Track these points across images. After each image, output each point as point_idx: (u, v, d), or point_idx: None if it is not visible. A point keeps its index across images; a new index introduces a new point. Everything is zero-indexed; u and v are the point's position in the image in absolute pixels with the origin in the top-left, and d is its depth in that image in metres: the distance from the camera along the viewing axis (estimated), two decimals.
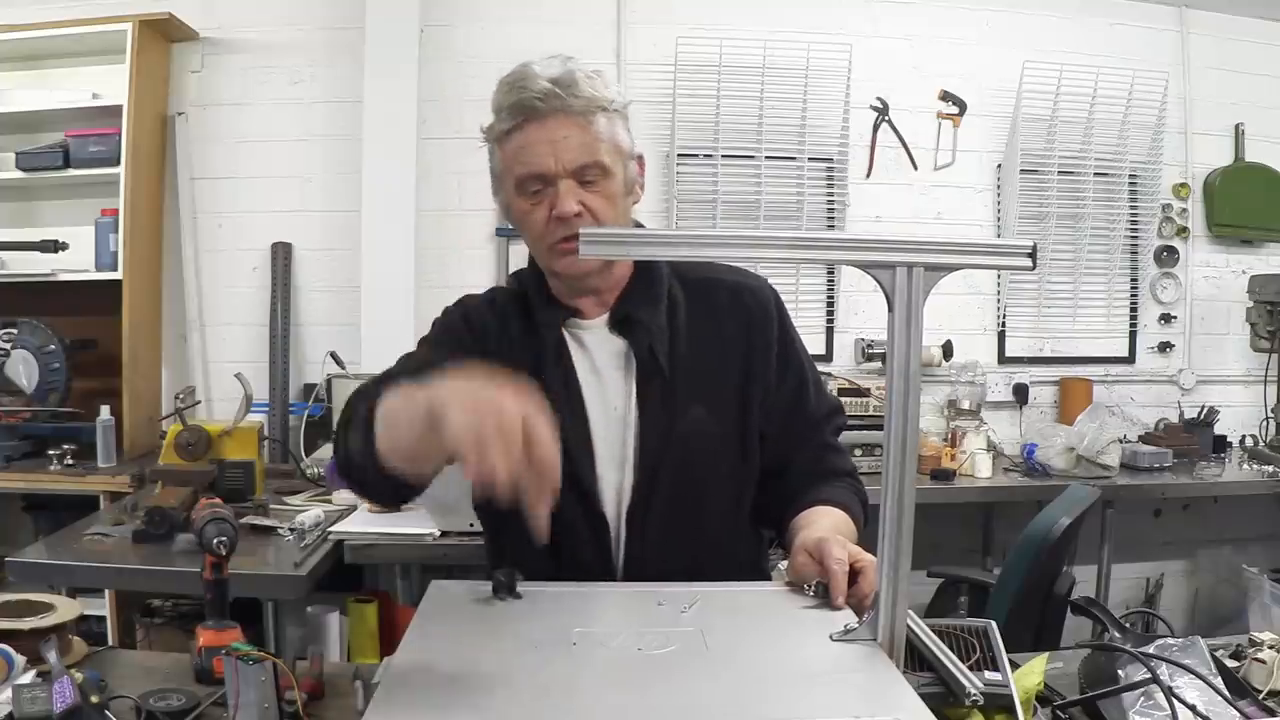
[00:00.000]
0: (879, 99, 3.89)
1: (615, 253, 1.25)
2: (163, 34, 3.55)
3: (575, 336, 1.43)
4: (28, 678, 1.25)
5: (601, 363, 1.42)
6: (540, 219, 1.35)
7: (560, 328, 1.42)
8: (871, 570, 1.15)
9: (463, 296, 1.52)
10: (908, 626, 1.08)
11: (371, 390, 1.23)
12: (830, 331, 3.93)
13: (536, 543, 0.96)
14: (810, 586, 1.20)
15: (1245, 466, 3.71)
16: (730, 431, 1.42)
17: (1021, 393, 3.98)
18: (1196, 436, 3.80)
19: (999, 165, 3.99)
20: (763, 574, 1.55)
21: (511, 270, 3.61)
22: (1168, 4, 4.02)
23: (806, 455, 1.47)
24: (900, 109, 3.91)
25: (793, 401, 1.47)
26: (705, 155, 3.79)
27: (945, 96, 3.93)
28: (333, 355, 3.48)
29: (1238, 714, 1.21)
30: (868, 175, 3.92)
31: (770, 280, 1.54)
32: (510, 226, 3.56)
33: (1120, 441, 3.60)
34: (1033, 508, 2.79)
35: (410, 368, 1.27)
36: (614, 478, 1.39)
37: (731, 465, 1.43)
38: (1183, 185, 4.08)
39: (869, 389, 3.47)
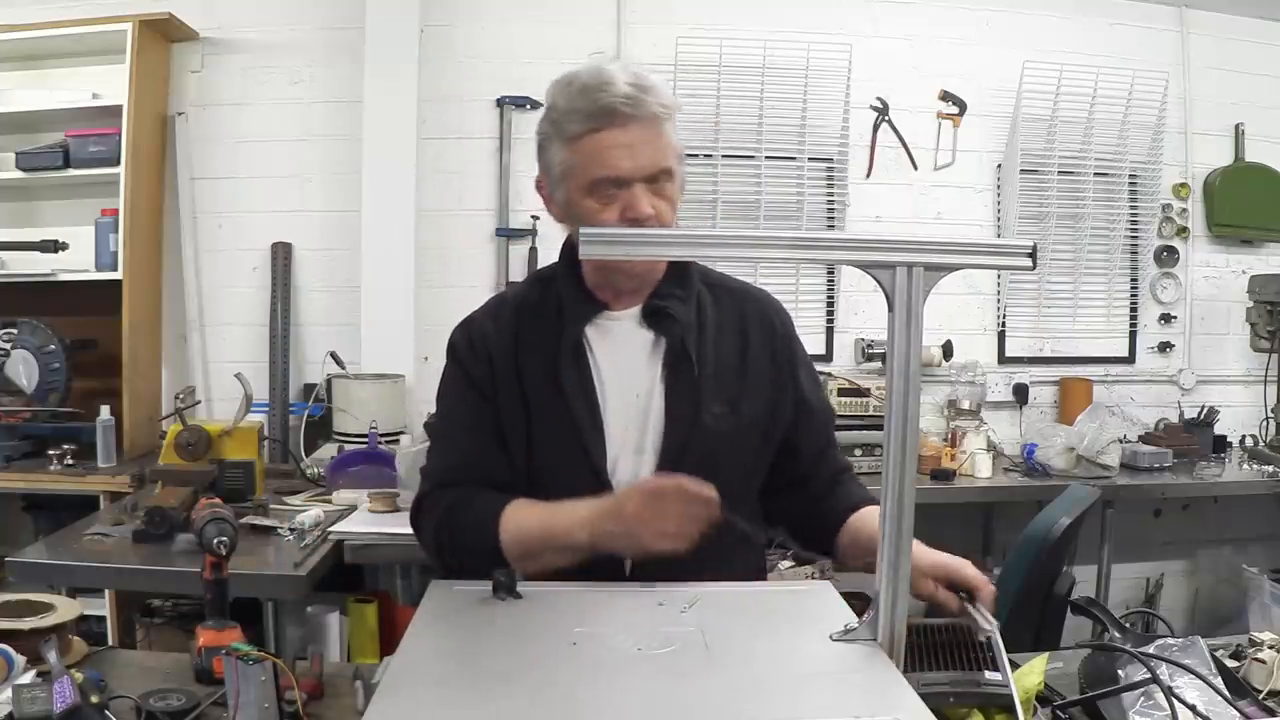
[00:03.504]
0: (879, 99, 3.89)
1: (615, 253, 1.25)
2: (163, 34, 3.55)
3: (600, 328, 1.46)
4: (28, 678, 1.26)
5: (626, 352, 1.45)
6: (611, 219, 1.38)
7: (589, 320, 1.45)
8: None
9: (465, 318, 1.54)
10: None
11: (480, 513, 1.38)
12: (830, 331, 3.93)
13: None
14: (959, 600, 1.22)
15: (1245, 466, 3.71)
16: (749, 431, 1.46)
17: (1021, 393, 3.98)
18: (1196, 436, 3.80)
19: (999, 165, 3.99)
20: (762, 574, 1.57)
21: (510, 270, 3.70)
22: (1168, 4, 4.02)
23: (823, 458, 1.56)
24: (900, 109, 3.91)
25: (820, 416, 1.56)
26: (705, 155, 3.79)
27: (945, 96, 3.93)
28: (333, 355, 3.48)
29: (1238, 714, 1.21)
30: (868, 175, 3.92)
31: (770, 280, 1.58)
32: (509, 224, 3.63)
33: (1120, 441, 3.60)
34: (1033, 508, 2.78)
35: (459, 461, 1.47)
36: (630, 464, 1.41)
37: (748, 464, 1.48)
38: (1183, 185, 4.08)
39: (869, 389, 3.47)
